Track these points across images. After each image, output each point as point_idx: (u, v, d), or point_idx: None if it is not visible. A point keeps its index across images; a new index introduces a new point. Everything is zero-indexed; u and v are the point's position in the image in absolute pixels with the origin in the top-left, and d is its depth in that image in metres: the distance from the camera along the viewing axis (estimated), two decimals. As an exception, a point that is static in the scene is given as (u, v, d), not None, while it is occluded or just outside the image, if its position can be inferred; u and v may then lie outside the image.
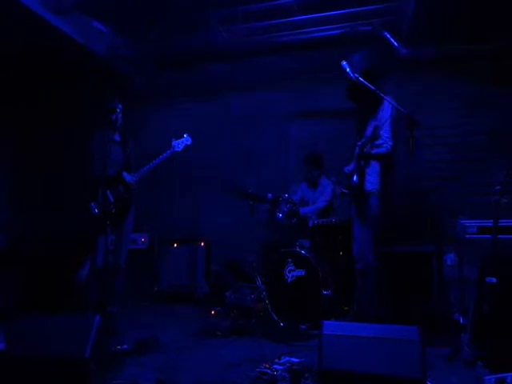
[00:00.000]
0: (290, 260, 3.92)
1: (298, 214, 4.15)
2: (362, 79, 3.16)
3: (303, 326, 3.66)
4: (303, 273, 3.84)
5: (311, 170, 4.73)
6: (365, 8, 4.95)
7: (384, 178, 3.28)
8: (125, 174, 3.96)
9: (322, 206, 4.61)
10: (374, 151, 3.28)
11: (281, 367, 2.72)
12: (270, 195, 4.47)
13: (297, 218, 4.12)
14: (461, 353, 2.98)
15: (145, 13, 5.11)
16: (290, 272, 3.90)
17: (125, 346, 3.24)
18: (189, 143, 4.22)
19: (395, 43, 5.24)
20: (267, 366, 2.80)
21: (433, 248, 4.34)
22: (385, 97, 3.17)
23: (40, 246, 5.35)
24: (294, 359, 2.85)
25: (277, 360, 2.85)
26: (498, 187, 3.01)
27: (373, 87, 3.11)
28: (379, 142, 3.26)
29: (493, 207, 3.01)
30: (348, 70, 3.20)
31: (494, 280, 2.88)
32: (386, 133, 3.25)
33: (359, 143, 3.30)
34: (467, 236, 3.68)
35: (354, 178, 3.34)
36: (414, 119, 2.95)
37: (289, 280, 3.89)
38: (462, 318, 3.46)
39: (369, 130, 3.31)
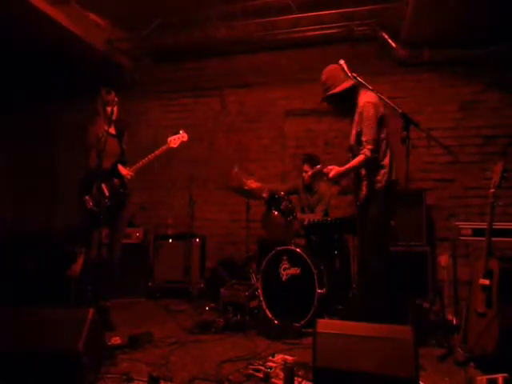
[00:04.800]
0: (285, 258, 3.92)
1: (293, 212, 4.15)
2: (358, 78, 3.17)
3: (297, 324, 3.67)
4: (298, 271, 3.85)
5: (307, 170, 4.69)
6: (363, 8, 4.95)
7: (370, 182, 3.22)
8: (120, 167, 3.94)
9: (319, 216, 4.60)
10: (350, 163, 3.26)
11: (275, 364, 2.73)
12: (265, 192, 4.46)
13: (292, 216, 4.12)
14: (453, 353, 3.01)
15: (143, 6, 5.08)
16: (284, 270, 3.90)
17: (118, 341, 3.24)
18: (184, 139, 4.20)
19: (393, 44, 5.26)
20: (261, 363, 2.81)
21: (427, 249, 4.38)
22: (363, 99, 3.18)
23: (34, 239, 5.33)
24: (287, 357, 2.85)
25: (271, 357, 2.85)
26: (492, 190, 3.04)
27: (370, 87, 3.13)
28: (361, 148, 3.20)
29: (487, 209, 3.03)
30: (345, 69, 3.19)
31: (487, 282, 2.91)
32: (364, 137, 3.17)
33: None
34: (461, 238, 3.71)
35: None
36: (410, 120, 2.96)
37: (283, 278, 3.90)
38: (455, 319, 3.51)
39: (352, 138, 3.31)
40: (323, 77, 3.40)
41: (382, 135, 3.22)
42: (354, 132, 3.29)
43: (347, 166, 3.28)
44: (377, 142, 3.15)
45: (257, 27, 5.35)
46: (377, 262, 3.20)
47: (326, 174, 3.37)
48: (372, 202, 3.23)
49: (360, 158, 3.18)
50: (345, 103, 3.36)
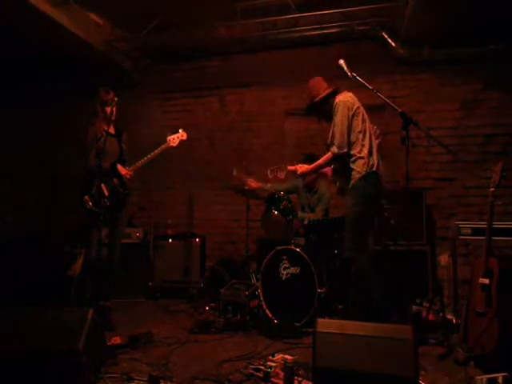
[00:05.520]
0: (285, 257, 3.92)
1: (293, 212, 4.15)
2: (358, 78, 3.18)
3: (297, 324, 3.67)
4: (298, 270, 3.85)
5: None
6: (363, 7, 4.95)
7: (349, 174, 3.36)
8: (119, 167, 3.94)
9: (319, 215, 4.61)
10: (318, 161, 3.58)
11: (275, 364, 2.73)
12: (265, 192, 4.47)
13: (292, 216, 4.12)
14: (453, 352, 3.01)
15: (142, 6, 5.08)
16: (284, 269, 3.90)
17: (118, 341, 3.24)
18: (184, 138, 4.19)
19: (392, 43, 5.26)
20: (261, 362, 2.81)
21: (427, 248, 4.38)
22: (337, 101, 3.40)
23: (34, 239, 5.33)
24: (288, 356, 2.85)
25: (271, 357, 2.85)
26: (492, 189, 3.03)
27: (370, 86, 3.14)
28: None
29: (487, 209, 3.03)
30: (345, 68, 3.21)
31: (486, 281, 2.91)
32: (333, 135, 3.39)
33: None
34: (461, 237, 3.70)
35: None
36: (409, 119, 2.96)
37: (284, 277, 3.90)
38: (455, 318, 3.50)
39: (329, 137, 3.49)
40: (308, 89, 3.62)
41: (358, 129, 3.36)
42: (330, 132, 3.46)
43: (316, 163, 3.60)
44: (343, 140, 3.33)
45: (256, 27, 5.36)
46: (354, 253, 3.31)
47: (295, 171, 3.74)
48: (350, 193, 3.37)
49: (327, 155, 3.45)
50: (326, 109, 3.52)
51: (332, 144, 3.39)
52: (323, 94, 3.51)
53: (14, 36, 5.30)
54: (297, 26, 5.28)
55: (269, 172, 3.95)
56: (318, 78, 3.62)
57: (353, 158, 3.35)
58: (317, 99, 3.53)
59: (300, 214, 4.59)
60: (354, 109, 3.38)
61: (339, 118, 3.35)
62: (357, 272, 3.34)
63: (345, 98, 3.41)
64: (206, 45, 5.73)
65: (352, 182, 3.33)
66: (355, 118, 3.37)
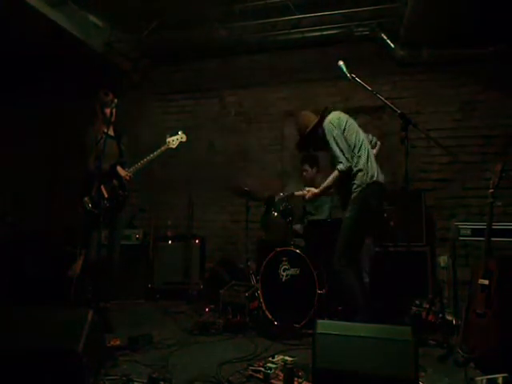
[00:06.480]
0: (284, 258, 3.92)
1: (292, 213, 4.15)
2: (358, 80, 3.18)
3: (297, 325, 3.67)
4: (298, 271, 3.85)
5: (307, 169, 4.70)
6: (362, 9, 4.96)
7: (349, 187, 3.38)
8: (119, 168, 3.94)
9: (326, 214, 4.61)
10: (326, 182, 3.50)
11: (274, 365, 2.72)
12: (265, 193, 4.47)
13: (292, 217, 4.12)
14: (453, 354, 3.01)
15: (142, 8, 5.08)
16: (284, 270, 3.90)
17: (118, 342, 3.24)
18: (183, 140, 4.20)
19: (391, 44, 5.27)
20: (261, 364, 2.80)
21: (427, 249, 4.38)
22: (324, 124, 3.47)
23: (34, 239, 5.33)
24: (287, 357, 2.85)
25: (270, 358, 2.85)
26: (491, 190, 3.04)
27: (369, 88, 3.14)
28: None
29: (486, 209, 3.03)
30: (344, 69, 3.21)
31: (486, 282, 2.91)
32: (335, 153, 3.38)
33: None
34: (461, 238, 3.71)
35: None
36: (409, 120, 2.96)
37: (283, 278, 3.90)
38: (455, 319, 3.50)
39: (330, 160, 3.52)
40: (296, 125, 3.68)
41: (352, 143, 3.40)
42: (330, 155, 3.48)
43: (323, 185, 3.53)
44: (344, 155, 3.34)
45: (256, 28, 5.36)
46: (342, 267, 3.32)
47: (303, 196, 3.67)
48: (350, 205, 3.36)
49: (334, 174, 3.41)
50: (318, 137, 3.55)
51: (337, 163, 3.38)
52: (311, 126, 3.56)
53: (14, 36, 5.30)
54: (297, 27, 5.29)
55: (276, 200, 3.99)
56: (303, 112, 3.69)
57: (352, 173, 3.37)
58: (307, 131, 3.58)
59: (297, 227, 4.57)
60: (342, 126, 3.43)
61: (332, 139, 3.39)
62: (342, 285, 3.36)
63: (332, 119, 3.47)
64: (205, 46, 5.74)
65: (354, 195, 3.35)
66: (345, 133, 3.42)
